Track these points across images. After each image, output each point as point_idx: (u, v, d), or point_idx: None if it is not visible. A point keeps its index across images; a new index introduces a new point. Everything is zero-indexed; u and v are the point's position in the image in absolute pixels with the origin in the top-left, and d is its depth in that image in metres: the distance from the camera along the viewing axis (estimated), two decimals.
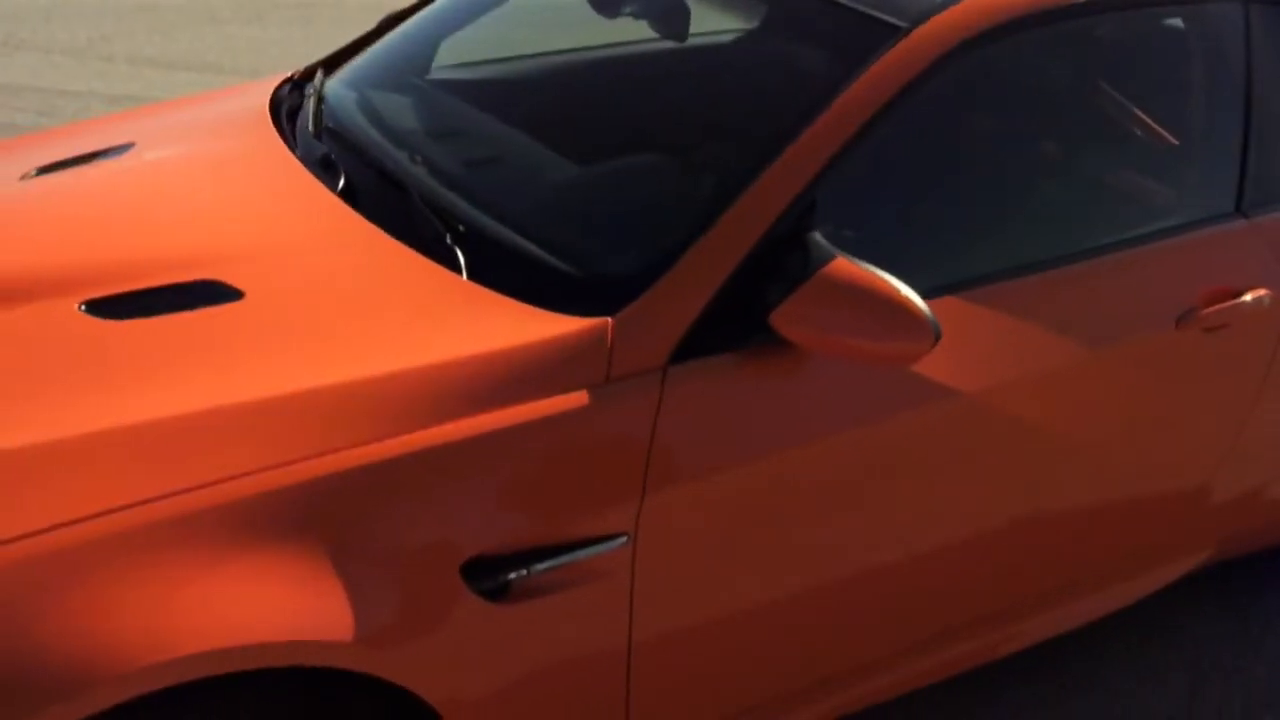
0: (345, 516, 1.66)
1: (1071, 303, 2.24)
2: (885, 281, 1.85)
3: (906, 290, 1.85)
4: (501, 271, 2.00)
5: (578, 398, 1.81)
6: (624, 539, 1.84)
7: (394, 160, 2.29)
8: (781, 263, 1.93)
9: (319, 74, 2.69)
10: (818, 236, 1.91)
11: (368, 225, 2.12)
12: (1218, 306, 2.38)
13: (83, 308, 1.91)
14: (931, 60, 2.11)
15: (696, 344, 1.90)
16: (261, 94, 2.81)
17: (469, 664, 1.75)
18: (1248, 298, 2.40)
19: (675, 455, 1.86)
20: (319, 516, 1.64)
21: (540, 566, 1.78)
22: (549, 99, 2.56)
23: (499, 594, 1.77)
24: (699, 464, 1.88)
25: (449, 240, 2.04)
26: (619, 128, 2.31)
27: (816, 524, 2.03)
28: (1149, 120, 2.53)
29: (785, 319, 1.87)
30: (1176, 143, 2.51)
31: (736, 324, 1.93)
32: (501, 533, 1.75)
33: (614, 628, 1.89)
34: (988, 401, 2.13)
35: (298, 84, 2.82)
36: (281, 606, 1.59)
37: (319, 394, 1.73)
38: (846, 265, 1.86)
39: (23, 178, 2.37)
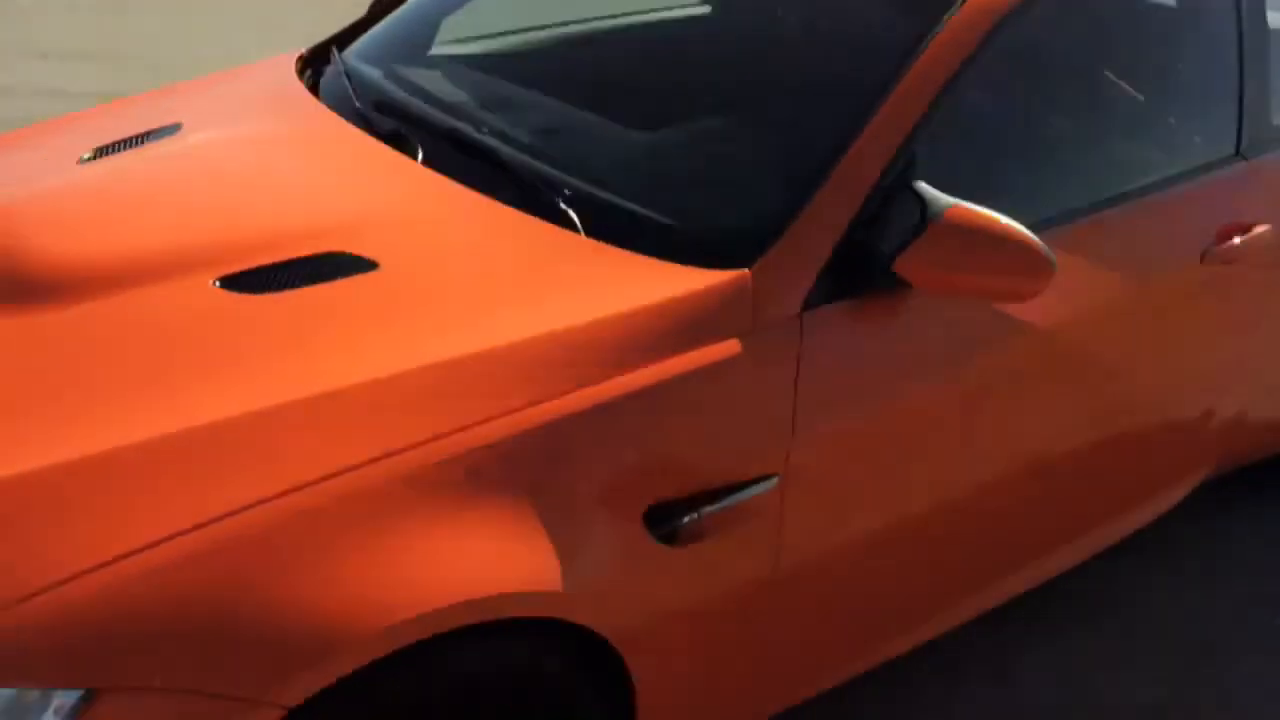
0: (542, 469, 1.69)
1: (1118, 242, 2.42)
2: (1003, 222, 1.97)
3: (1022, 228, 1.97)
4: (632, 231, 2.05)
5: (730, 346, 1.88)
6: (775, 480, 1.92)
7: (487, 128, 2.31)
8: (893, 211, 2.03)
9: (335, 51, 2.68)
10: (926, 185, 2.01)
11: (472, 193, 2.13)
12: (1231, 242, 2.59)
13: (217, 284, 1.89)
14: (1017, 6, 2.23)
15: (824, 291, 1.99)
16: (273, 72, 2.77)
17: (650, 607, 1.81)
18: (1256, 232, 2.62)
19: (816, 396, 1.95)
20: (519, 470, 1.67)
21: (709, 509, 1.85)
22: (629, 64, 2.61)
23: (672, 539, 1.83)
24: (837, 403, 1.98)
25: (564, 204, 2.08)
26: (719, 88, 2.37)
27: (939, 453, 2.17)
28: (1152, 73, 2.73)
29: (909, 264, 1.97)
30: (1182, 93, 2.72)
31: (859, 271, 2.02)
32: (675, 479, 1.81)
33: (764, 563, 1.97)
34: (1064, 333, 2.29)
35: (310, 61, 2.80)
36: (499, 560, 1.62)
37: (502, 353, 1.76)
38: (964, 209, 1.97)
39: (80, 162, 2.30)
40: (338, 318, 1.82)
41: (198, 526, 1.49)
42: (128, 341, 1.77)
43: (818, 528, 2.03)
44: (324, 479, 1.56)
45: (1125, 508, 2.75)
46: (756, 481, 1.90)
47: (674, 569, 1.83)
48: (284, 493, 1.54)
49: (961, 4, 2.22)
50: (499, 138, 2.28)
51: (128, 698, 1.40)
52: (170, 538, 1.48)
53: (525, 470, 1.68)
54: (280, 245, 1.98)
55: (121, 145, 2.36)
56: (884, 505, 2.13)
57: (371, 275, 1.91)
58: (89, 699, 1.39)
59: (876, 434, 2.05)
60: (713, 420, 1.84)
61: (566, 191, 2.11)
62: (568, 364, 1.77)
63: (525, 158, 2.21)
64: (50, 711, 1.39)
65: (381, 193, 2.14)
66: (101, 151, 2.33)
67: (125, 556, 1.46)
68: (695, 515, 1.84)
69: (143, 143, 2.37)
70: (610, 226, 2.05)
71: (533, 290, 1.89)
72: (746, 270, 1.95)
